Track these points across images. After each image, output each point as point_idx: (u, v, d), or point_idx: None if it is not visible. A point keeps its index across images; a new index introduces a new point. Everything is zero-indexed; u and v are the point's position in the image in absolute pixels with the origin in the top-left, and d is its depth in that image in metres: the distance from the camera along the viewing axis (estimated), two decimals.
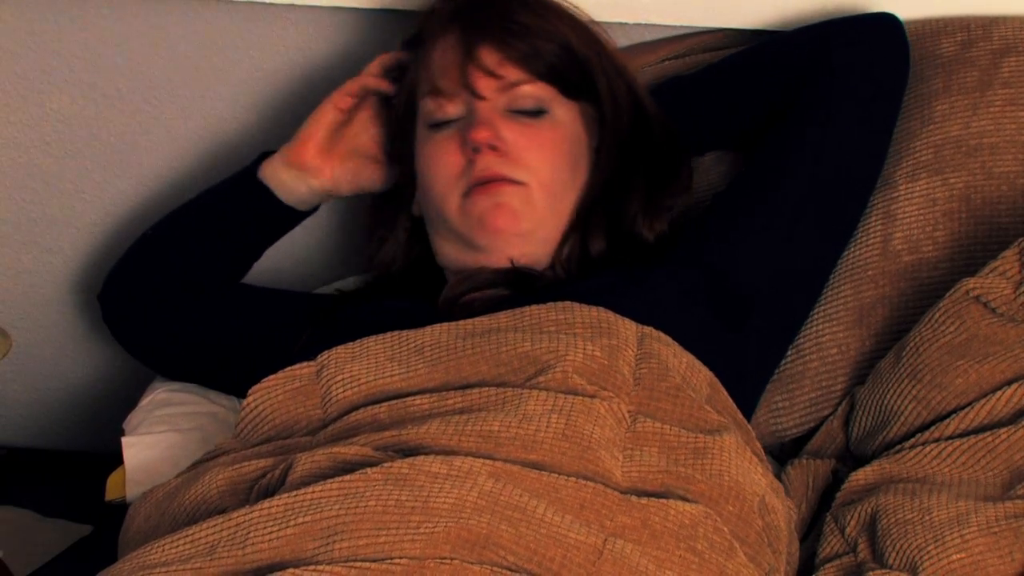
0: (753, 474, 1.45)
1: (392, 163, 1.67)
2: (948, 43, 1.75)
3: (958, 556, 1.38)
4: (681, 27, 1.84)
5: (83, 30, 1.92)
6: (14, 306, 2.02)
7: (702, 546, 1.34)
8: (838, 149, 1.67)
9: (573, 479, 1.33)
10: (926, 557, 1.39)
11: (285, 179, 1.70)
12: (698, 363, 1.51)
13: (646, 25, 1.79)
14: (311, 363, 1.45)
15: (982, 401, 1.53)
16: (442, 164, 1.57)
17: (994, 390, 1.53)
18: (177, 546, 1.28)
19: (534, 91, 1.56)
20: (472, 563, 1.23)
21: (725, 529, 1.38)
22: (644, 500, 1.34)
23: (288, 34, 1.92)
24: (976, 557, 1.39)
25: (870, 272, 1.67)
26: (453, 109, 1.55)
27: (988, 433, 1.51)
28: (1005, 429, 1.49)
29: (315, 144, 1.70)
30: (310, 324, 1.65)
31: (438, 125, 1.57)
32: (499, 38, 1.57)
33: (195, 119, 1.94)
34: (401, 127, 1.63)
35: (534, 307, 1.49)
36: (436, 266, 1.68)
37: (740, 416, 1.51)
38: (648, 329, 1.49)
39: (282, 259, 1.86)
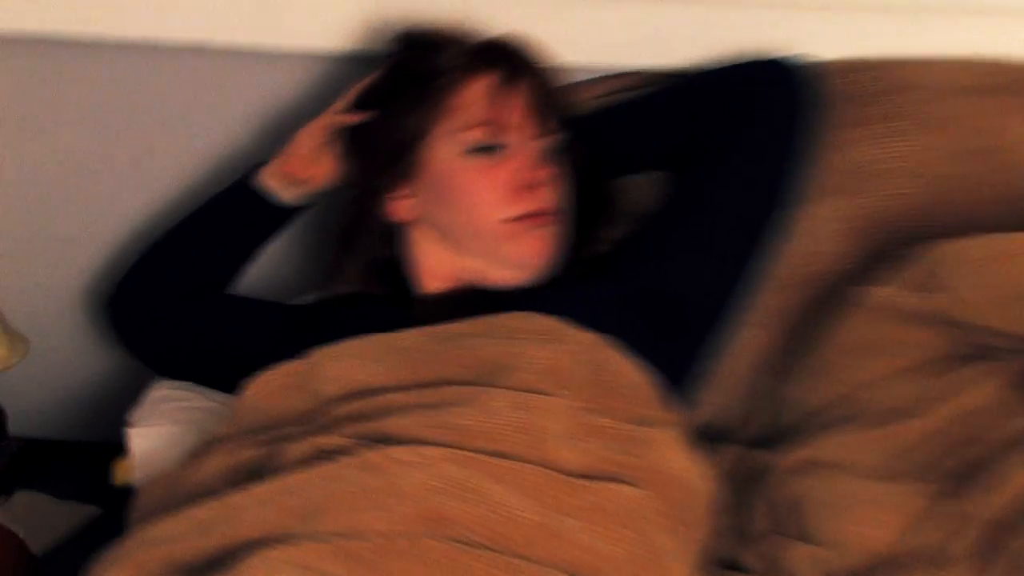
0: (687, 462, 1.58)
1: (372, 175, 1.76)
2: (856, 80, 1.88)
3: (866, 529, 1.52)
4: (600, 68, 1.97)
5: (88, 75, 2.04)
6: (32, 315, 2.10)
7: (647, 526, 1.47)
8: (750, 178, 1.81)
9: (530, 466, 1.44)
10: (837, 528, 1.53)
11: (274, 185, 1.83)
12: (638, 366, 1.64)
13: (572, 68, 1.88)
14: (302, 361, 1.56)
15: (879, 394, 1.65)
16: (489, 187, 1.69)
17: (889, 383, 1.65)
18: (178, 524, 1.40)
19: (558, 138, 1.72)
20: (434, 539, 1.36)
21: (666, 511, 1.50)
22: (594, 484, 1.47)
23: (272, 78, 2.05)
24: (881, 529, 1.52)
25: (780, 282, 1.81)
26: (502, 139, 1.67)
27: (882, 421, 1.62)
28: (902, 417, 1.61)
29: (299, 158, 1.82)
30: (298, 328, 1.77)
31: (482, 150, 1.68)
32: (543, 89, 1.73)
33: (191, 148, 2.05)
34: (403, 145, 1.72)
35: (500, 316, 1.62)
36: (398, 271, 1.78)
37: (675, 411, 1.64)
38: (597, 336, 1.62)
39: (254, 280, 1.96)
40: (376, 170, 1.75)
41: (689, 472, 1.58)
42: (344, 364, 1.58)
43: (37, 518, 2.00)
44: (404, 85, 1.73)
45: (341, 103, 1.82)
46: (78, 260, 2.08)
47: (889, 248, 1.76)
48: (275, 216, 1.88)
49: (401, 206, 1.74)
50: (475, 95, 1.69)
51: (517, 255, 1.69)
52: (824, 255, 1.82)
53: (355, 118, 1.79)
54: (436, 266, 1.77)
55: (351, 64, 1.99)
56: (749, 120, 1.81)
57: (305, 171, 1.84)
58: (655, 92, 1.92)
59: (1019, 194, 1.80)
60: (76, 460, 2.13)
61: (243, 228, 1.88)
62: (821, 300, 1.78)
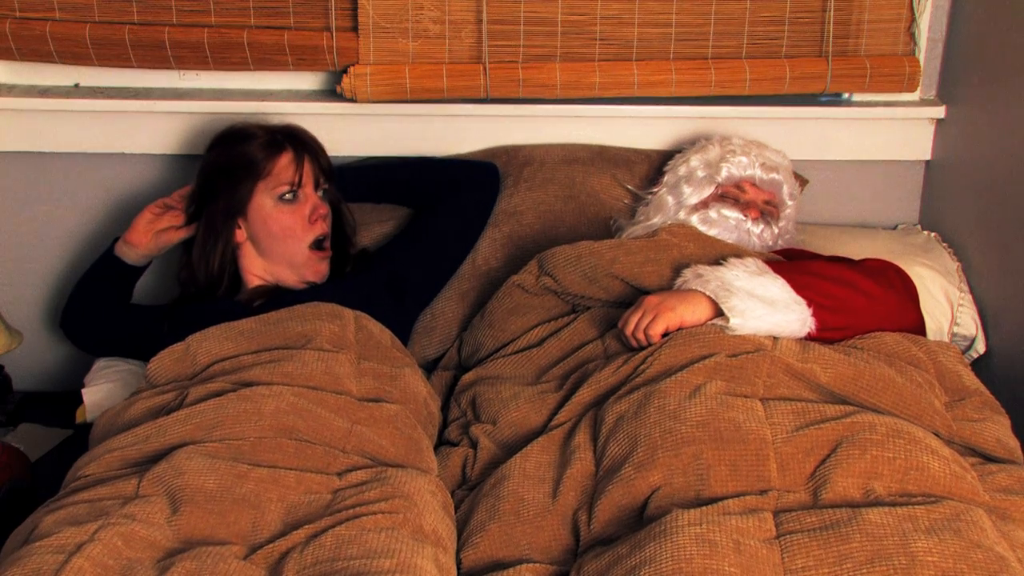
0: (421, 385, 1.97)
1: (214, 219, 2.11)
2: (498, 159, 2.47)
3: (516, 413, 1.94)
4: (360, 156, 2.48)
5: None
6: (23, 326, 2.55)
7: (402, 426, 1.83)
8: (456, 227, 2.29)
9: (332, 394, 1.80)
10: (500, 414, 1.95)
11: (125, 251, 2.18)
12: (385, 328, 2.03)
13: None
14: (182, 343, 1.91)
15: (523, 336, 2.13)
16: (294, 223, 2.09)
17: (528, 330, 2.14)
18: (125, 438, 1.74)
19: (328, 188, 2.17)
20: (285, 439, 1.72)
21: (415, 416, 1.88)
22: (369, 404, 1.82)
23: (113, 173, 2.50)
24: (524, 413, 1.93)
25: (466, 275, 2.36)
26: (298, 191, 2.08)
27: (524, 351, 2.09)
28: (535, 349, 2.08)
29: (138, 231, 2.18)
30: (172, 320, 2.10)
31: (286, 199, 2.08)
32: (317, 159, 2.14)
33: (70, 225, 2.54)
34: (233, 203, 2.08)
35: (301, 305, 1.99)
36: (235, 275, 2.13)
37: (410, 355, 2.05)
38: (358, 313, 2.02)
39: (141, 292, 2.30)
40: (224, 213, 2.10)
41: (424, 391, 1.97)
42: (210, 343, 1.92)
43: (31, 438, 2.32)
44: (235, 163, 2.09)
45: (176, 194, 2.20)
46: (36, 297, 2.58)
47: (525, 254, 2.30)
48: (129, 271, 2.22)
49: (238, 234, 2.11)
50: (280, 165, 2.09)
51: (310, 274, 2.14)
52: (491, 259, 2.37)
53: (181, 207, 2.18)
54: (254, 270, 2.14)
55: (176, 162, 2.48)
56: (467, 188, 2.29)
57: (140, 241, 2.17)
58: (416, 159, 2.38)
59: (591, 220, 2.39)
60: (55, 403, 2.43)
61: (116, 279, 2.22)
62: (490, 285, 2.31)
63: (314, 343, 1.88)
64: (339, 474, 1.69)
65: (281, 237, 2.09)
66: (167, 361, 1.89)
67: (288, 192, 2.08)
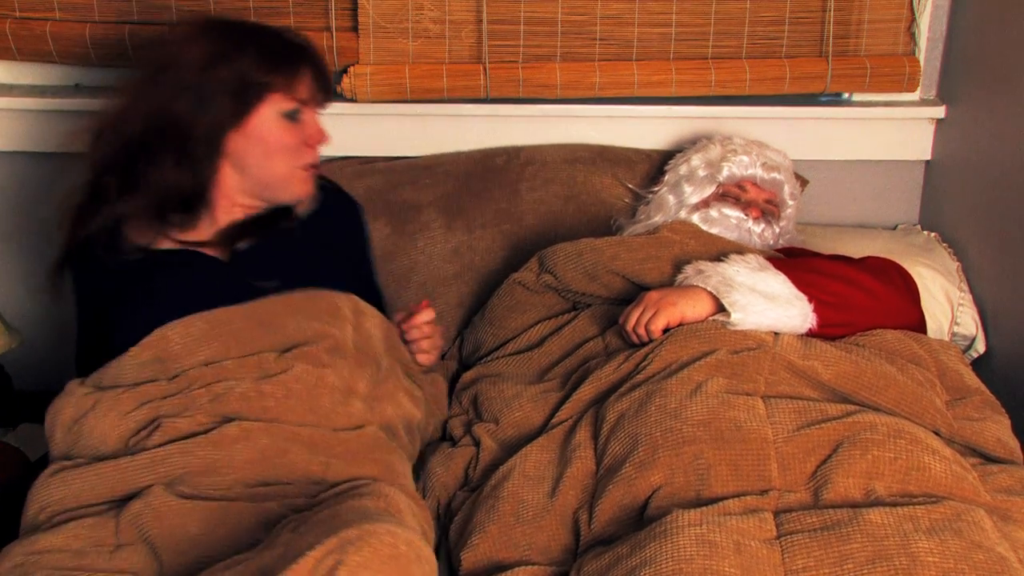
0: (406, 401, 1.90)
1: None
2: (499, 159, 2.48)
3: (519, 413, 1.94)
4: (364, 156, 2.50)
5: None
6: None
7: (379, 453, 1.77)
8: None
9: (308, 428, 1.74)
10: (503, 414, 1.95)
11: None
12: (378, 313, 1.94)
13: None
14: (159, 336, 1.75)
15: (523, 334, 2.14)
16: (295, 142, 1.90)
17: (529, 327, 2.15)
18: (89, 476, 1.66)
19: None
20: (260, 487, 1.65)
21: (389, 440, 1.80)
22: (348, 433, 1.76)
23: None
24: (527, 412, 1.93)
25: (466, 274, 2.34)
26: (301, 111, 1.90)
27: (526, 350, 2.10)
28: (536, 347, 2.09)
29: None
30: (140, 281, 1.84)
31: (291, 117, 1.89)
32: (327, 77, 1.97)
33: None
34: (229, 115, 1.84)
35: (298, 295, 1.83)
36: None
37: (401, 347, 1.96)
38: (355, 302, 1.89)
39: None
40: (213, 125, 1.84)
41: (412, 410, 1.91)
42: (194, 344, 1.77)
43: (33, 439, 2.26)
44: (248, 68, 1.86)
45: None
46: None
47: (526, 255, 2.26)
48: None
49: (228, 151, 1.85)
50: (298, 79, 1.90)
51: (300, 191, 1.94)
52: (493, 260, 2.39)
53: None
54: (232, 195, 1.90)
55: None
56: None
57: None
58: None
59: (592, 220, 2.40)
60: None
61: None
62: (491, 283, 2.31)
63: (307, 356, 1.80)
64: (312, 496, 1.69)
65: (275, 155, 1.89)
66: (146, 357, 1.77)
67: (295, 109, 1.90)
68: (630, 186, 2.47)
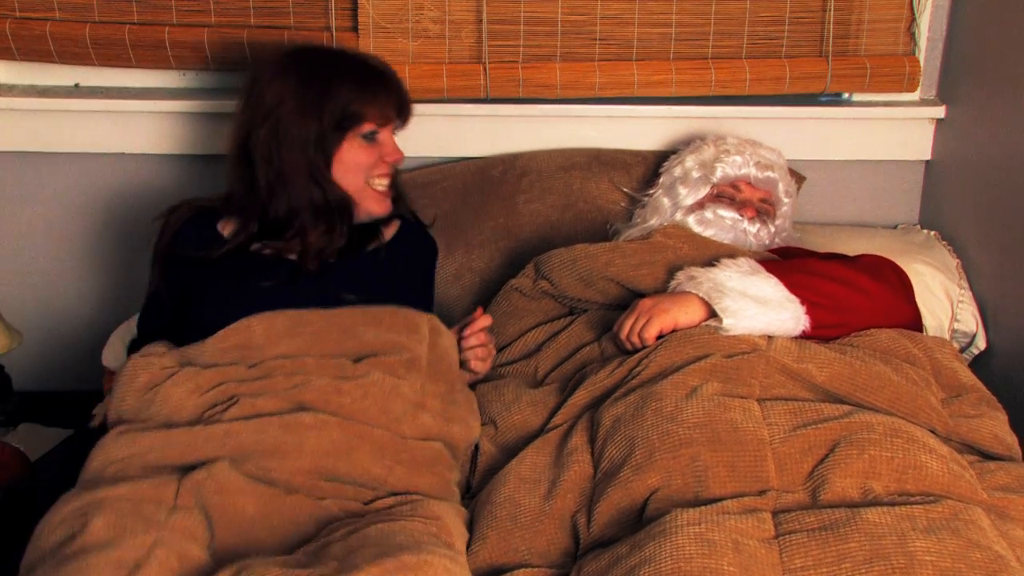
0: (473, 421, 1.92)
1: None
2: (496, 170, 2.50)
3: (518, 416, 1.94)
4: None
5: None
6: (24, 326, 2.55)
7: (439, 468, 1.82)
8: None
9: (379, 430, 1.78)
10: (501, 417, 1.94)
11: None
12: (451, 334, 1.97)
13: None
14: (244, 324, 1.81)
15: (520, 339, 2.14)
16: (370, 160, 2.00)
17: (525, 333, 2.15)
18: (159, 438, 1.71)
19: None
20: (319, 480, 1.70)
21: (450, 458, 1.84)
22: (414, 443, 1.80)
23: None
24: (526, 416, 1.94)
25: (464, 281, 2.37)
26: (378, 133, 1.99)
27: (523, 356, 2.10)
28: (533, 352, 2.09)
29: None
30: (219, 271, 1.93)
31: (368, 138, 2.00)
32: (405, 97, 2.05)
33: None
34: (328, 140, 1.95)
35: (376, 308, 1.88)
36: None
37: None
38: (432, 319, 1.94)
39: None
40: (317, 147, 1.97)
41: (476, 428, 1.93)
42: (278, 336, 1.83)
43: (33, 439, 2.30)
44: (345, 104, 1.97)
45: None
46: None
47: (524, 260, 2.29)
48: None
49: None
50: (378, 106, 2.01)
51: (374, 207, 2.05)
52: (491, 278, 2.40)
53: None
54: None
55: (176, 161, 2.48)
56: None
57: None
58: None
59: (589, 227, 2.40)
60: (55, 403, 2.44)
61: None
62: (488, 289, 2.35)
63: (383, 364, 1.85)
64: (366, 503, 1.73)
65: (352, 172, 2.02)
66: (230, 343, 1.83)
67: (372, 132, 2.02)
68: (625, 190, 2.48)
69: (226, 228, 2.02)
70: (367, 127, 1.98)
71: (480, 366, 2.04)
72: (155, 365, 1.81)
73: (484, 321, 2.03)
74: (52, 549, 1.54)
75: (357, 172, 2.00)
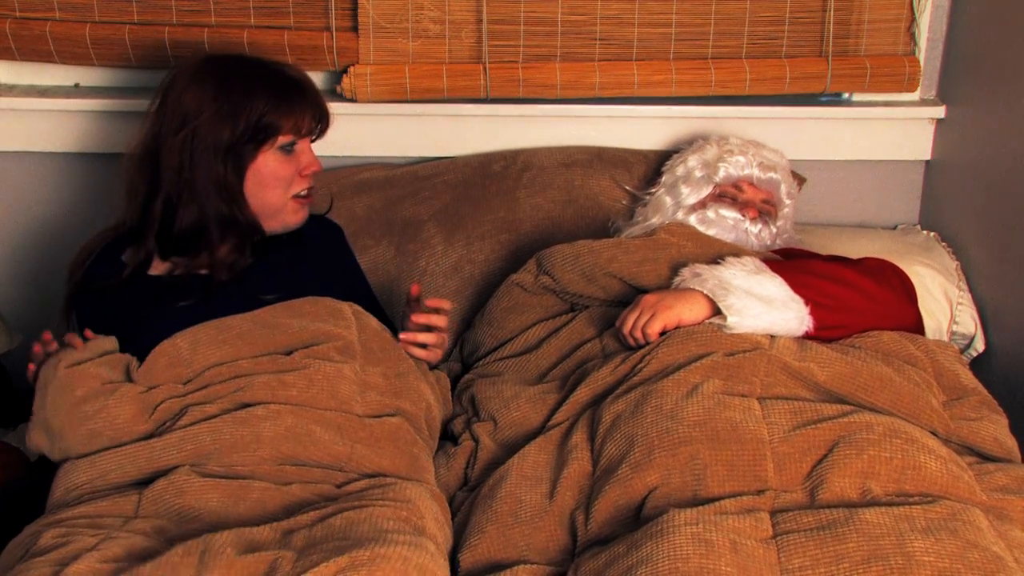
0: (424, 387, 1.94)
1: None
2: (497, 165, 2.49)
3: (517, 413, 1.95)
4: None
5: None
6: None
7: (402, 443, 1.82)
8: None
9: (334, 412, 1.78)
10: (501, 413, 1.96)
11: None
12: (373, 315, 1.95)
13: None
14: (169, 343, 1.80)
15: (521, 335, 2.15)
16: (288, 174, 1.98)
17: (527, 328, 2.16)
18: (116, 458, 1.71)
19: None
20: (283, 466, 1.71)
21: (411, 430, 1.85)
22: (371, 421, 1.80)
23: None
24: (525, 413, 1.94)
25: (465, 276, 2.37)
26: (295, 144, 1.97)
27: (524, 351, 2.11)
28: (534, 348, 2.10)
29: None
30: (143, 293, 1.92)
31: (285, 150, 1.97)
32: (325, 117, 2.02)
33: None
34: (243, 152, 1.92)
35: (297, 300, 1.89)
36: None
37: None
38: (352, 305, 1.94)
39: None
40: (231, 157, 1.93)
41: (428, 394, 1.95)
42: (206, 348, 1.82)
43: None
44: (258, 113, 1.95)
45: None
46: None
47: (524, 254, 2.32)
48: None
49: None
50: (295, 119, 1.99)
51: (291, 219, 2.04)
52: (492, 271, 2.40)
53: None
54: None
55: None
56: None
57: None
58: None
59: (590, 223, 2.41)
60: None
61: None
62: (490, 285, 2.33)
63: (319, 353, 1.85)
64: (338, 485, 1.72)
65: (270, 186, 1.99)
66: (160, 364, 1.82)
67: (289, 144, 2.00)
68: (627, 188, 2.48)
69: (131, 255, 2.01)
70: (283, 139, 1.96)
71: (423, 354, 2.02)
72: (92, 377, 1.79)
73: (441, 303, 2.02)
74: (4, 571, 1.58)
75: (276, 185, 1.98)
